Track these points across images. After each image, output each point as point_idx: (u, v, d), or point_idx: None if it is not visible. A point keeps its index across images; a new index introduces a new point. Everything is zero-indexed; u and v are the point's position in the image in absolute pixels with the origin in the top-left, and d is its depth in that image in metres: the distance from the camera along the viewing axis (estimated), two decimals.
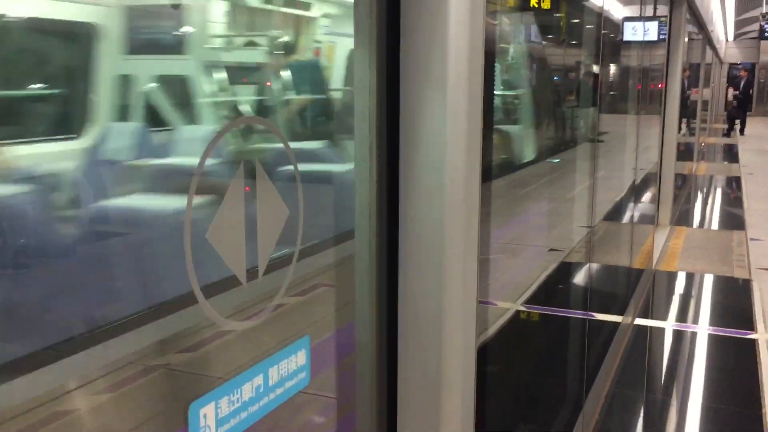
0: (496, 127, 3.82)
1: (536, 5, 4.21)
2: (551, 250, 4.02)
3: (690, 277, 6.06)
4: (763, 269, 6.08)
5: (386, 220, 1.35)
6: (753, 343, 4.52)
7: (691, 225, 8.26)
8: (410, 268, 1.34)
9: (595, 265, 4.66)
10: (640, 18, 7.19)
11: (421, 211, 1.31)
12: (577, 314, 3.92)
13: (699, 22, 10.27)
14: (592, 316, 4.20)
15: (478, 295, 1.48)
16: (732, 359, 4.44)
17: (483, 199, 1.45)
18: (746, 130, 20.56)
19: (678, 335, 4.83)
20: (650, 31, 7.25)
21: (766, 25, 18.07)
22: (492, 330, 2.90)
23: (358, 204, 1.35)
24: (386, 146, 1.33)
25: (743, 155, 15.08)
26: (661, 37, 7.66)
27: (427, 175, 1.30)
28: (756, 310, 5.09)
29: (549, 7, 4.42)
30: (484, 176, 1.46)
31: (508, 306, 3.26)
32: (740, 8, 21.59)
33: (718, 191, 11.46)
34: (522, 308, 3.24)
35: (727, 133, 20.18)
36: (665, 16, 7.85)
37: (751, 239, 7.19)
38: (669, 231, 7.57)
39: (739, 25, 27.47)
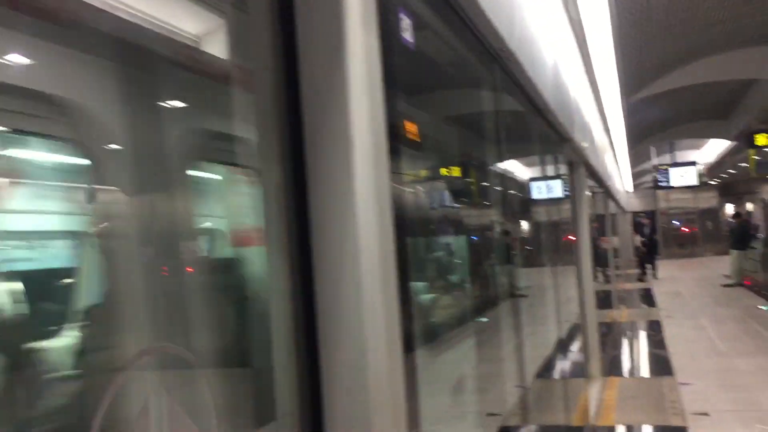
0: (423, 296, 3.80)
1: (447, 173, 4.35)
2: (489, 414, 3.88)
3: (627, 431, 5.97)
4: (697, 414, 6.07)
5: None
6: None
7: (622, 374, 8.29)
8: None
9: (533, 427, 4.53)
10: (545, 177, 7.58)
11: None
12: None
13: (597, 177, 10.92)
14: None
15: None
16: None
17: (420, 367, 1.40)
18: (658, 274, 21.44)
19: None
20: (555, 188, 7.64)
21: (658, 176, 19.49)
22: None
23: None
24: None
25: (659, 298, 15.59)
26: (566, 193, 8.08)
27: None
28: None
29: (460, 175, 4.60)
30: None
31: None
32: (634, 161, 23.29)
33: (642, 337, 11.67)
34: None
35: (641, 278, 20.96)
36: (567, 175, 8.33)
37: (681, 383, 7.23)
38: (602, 383, 7.55)
39: (635, 176, 29.52)
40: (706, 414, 6.07)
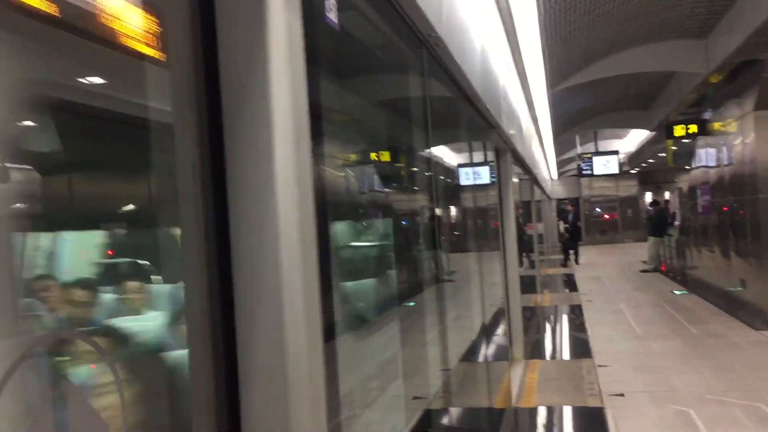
0: (345, 282, 3.78)
1: (376, 158, 4.33)
2: (415, 398, 3.91)
3: (548, 411, 6.14)
4: (614, 395, 6.28)
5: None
6: None
7: (544, 357, 8.51)
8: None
9: (458, 410, 4.60)
10: (473, 164, 7.66)
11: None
12: None
13: (524, 165, 11.12)
14: None
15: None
16: None
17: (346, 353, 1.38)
18: (580, 259, 22.09)
19: None
20: (482, 175, 7.74)
21: (582, 164, 20.01)
22: None
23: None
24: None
25: (581, 283, 16.06)
26: (493, 180, 8.21)
27: None
28: None
29: (389, 159, 4.59)
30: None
31: None
32: (559, 150, 23.84)
33: (563, 320, 12.00)
34: None
35: (564, 263, 21.54)
36: (494, 161, 8.45)
37: (599, 366, 7.47)
38: (524, 365, 7.73)
39: (561, 164, 30.26)
40: (621, 395, 6.30)
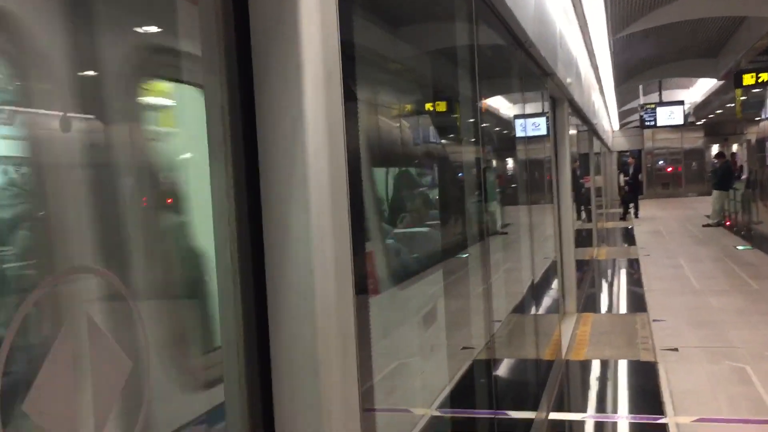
0: (405, 230, 3.78)
1: (431, 108, 4.27)
2: (464, 348, 3.93)
3: (599, 365, 6.10)
4: (667, 350, 6.19)
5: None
6: (664, 427, 4.51)
7: (597, 311, 8.42)
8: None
9: (507, 361, 4.61)
10: (529, 115, 7.51)
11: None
12: (487, 414, 3.82)
13: (582, 115, 10.85)
14: (505, 414, 4.11)
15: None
16: None
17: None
18: (640, 213, 21.62)
19: (589, 426, 4.77)
20: (539, 126, 7.58)
21: (644, 115, 19.40)
22: None
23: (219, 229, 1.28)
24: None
25: (639, 237, 15.75)
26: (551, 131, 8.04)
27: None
28: (664, 393, 5.12)
29: (444, 110, 4.53)
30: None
31: (422, 412, 3.13)
32: (620, 100, 23.15)
33: (619, 274, 11.82)
34: (437, 413, 3.12)
35: (623, 217, 21.13)
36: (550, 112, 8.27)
37: (653, 320, 7.36)
38: (576, 318, 7.67)
39: (622, 115, 29.41)
40: (675, 350, 6.20)
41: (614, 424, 4.75)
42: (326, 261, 1.31)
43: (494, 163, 5.33)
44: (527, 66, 5.30)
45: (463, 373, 3.47)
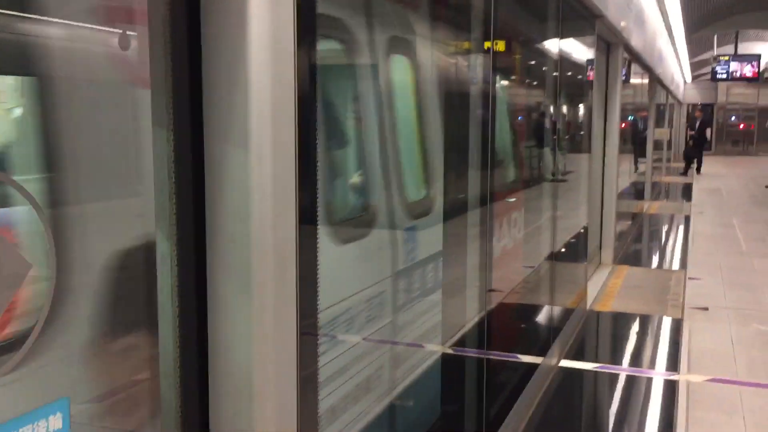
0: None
1: (491, 47, 4.06)
2: (491, 290, 3.90)
3: (622, 318, 6.01)
4: (697, 309, 6.06)
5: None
6: (674, 384, 4.45)
7: (634, 264, 8.25)
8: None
9: (529, 305, 4.59)
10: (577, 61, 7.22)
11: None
12: (506, 356, 3.84)
13: (643, 63, 10.42)
14: (517, 358, 4.12)
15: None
16: (651, 400, 4.36)
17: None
18: (703, 169, 20.89)
19: (600, 377, 4.74)
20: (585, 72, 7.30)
21: (717, 68, 18.50)
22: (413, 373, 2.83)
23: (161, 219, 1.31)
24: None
25: (696, 194, 15.27)
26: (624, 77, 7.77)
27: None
28: (682, 351, 5.03)
29: (505, 50, 4.35)
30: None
31: (436, 348, 3.16)
32: (693, 51, 22.11)
33: (666, 230, 11.53)
34: (448, 350, 3.15)
35: (684, 172, 20.46)
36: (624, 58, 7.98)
37: (690, 278, 7.18)
38: (610, 270, 7.55)
39: (695, 67, 28.16)
40: (705, 309, 6.06)
41: (625, 376, 4.70)
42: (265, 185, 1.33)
43: (559, 109, 5.17)
44: (570, 4, 5.08)
45: (484, 314, 3.44)
